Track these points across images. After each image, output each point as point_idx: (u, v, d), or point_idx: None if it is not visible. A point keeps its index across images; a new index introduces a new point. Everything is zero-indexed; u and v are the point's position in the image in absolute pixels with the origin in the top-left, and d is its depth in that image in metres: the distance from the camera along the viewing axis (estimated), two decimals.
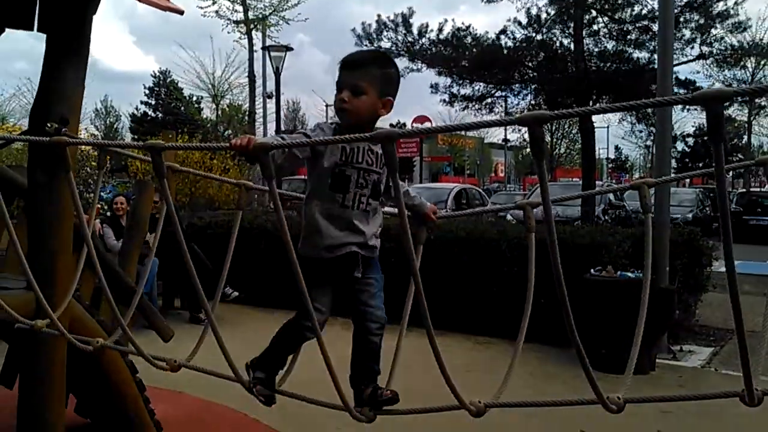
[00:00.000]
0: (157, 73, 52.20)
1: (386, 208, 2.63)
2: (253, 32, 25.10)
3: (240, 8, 24.89)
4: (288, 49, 20.32)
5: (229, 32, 26.00)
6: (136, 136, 45.53)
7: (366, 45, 17.34)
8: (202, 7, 24.36)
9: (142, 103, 52.69)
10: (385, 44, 17.20)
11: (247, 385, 2.44)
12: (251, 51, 25.18)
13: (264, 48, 22.32)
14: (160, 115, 50.52)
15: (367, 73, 2.43)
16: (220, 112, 29.84)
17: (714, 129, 1.56)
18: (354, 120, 2.38)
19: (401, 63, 17.57)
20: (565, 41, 16.34)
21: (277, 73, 19.48)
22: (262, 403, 2.51)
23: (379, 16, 17.30)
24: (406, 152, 32.52)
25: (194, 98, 37.29)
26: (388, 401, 2.41)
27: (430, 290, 2.03)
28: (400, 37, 17.16)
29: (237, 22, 25.21)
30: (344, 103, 2.40)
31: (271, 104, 24.42)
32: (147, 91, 52.60)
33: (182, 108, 42.63)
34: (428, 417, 2.60)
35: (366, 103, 2.42)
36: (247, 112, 27.12)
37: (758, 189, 28.86)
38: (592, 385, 2.00)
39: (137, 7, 70.70)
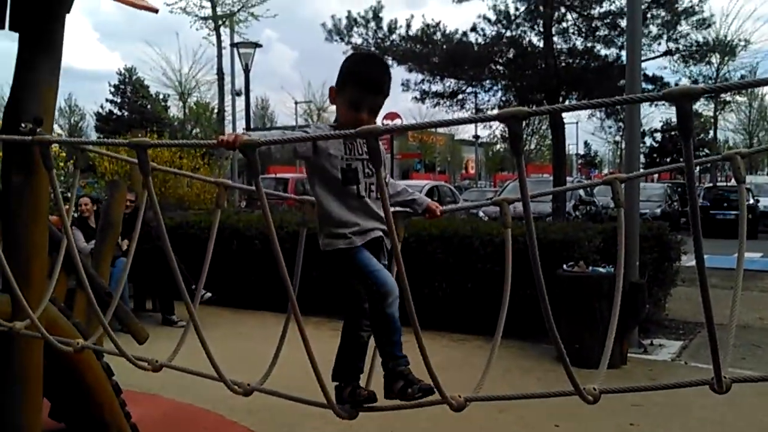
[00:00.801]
0: (123, 71, 51.61)
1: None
2: (221, 28, 24.86)
3: (208, 4, 24.59)
4: (257, 45, 20.19)
5: (197, 29, 25.75)
6: (101, 135, 44.92)
7: (336, 41, 17.30)
8: (169, 4, 24.05)
9: (107, 101, 52.01)
10: (356, 40, 17.18)
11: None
12: (219, 47, 24.92)
13: (233, 45, 22.14)
14: (126, 113, 49.98)
15: (385, 96, 2.54)
16: (187, 110, 29.55)
17: (683, 125, 1.61)
18: None
19: None
20: (535, 38, 16.46)
21: (246, 71, 19.35)
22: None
23: (349, 11, 17.26)
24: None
25: (161, 96, 36.91)
26: (366, 400, 2.42)
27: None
28: (370, 33, 17.14)
29: (205, 18, 24.94)
30: (363, 123, 2.42)
31: (240, 101, 24.24)
32: (112, 89, 51.97)
33: (148, 106, 42.15)
34: (409, 412, 2.63)
35: (375, 119, 2.53)
36: (215, 110, 26.89)
37: (724, 184, 29.34)
38: (570, 376, 2.04)
39: (101, 3, 69.52)
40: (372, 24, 16.92)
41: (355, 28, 17.08)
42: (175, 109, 33.73)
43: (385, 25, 17.05)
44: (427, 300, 7.51)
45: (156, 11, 3.29)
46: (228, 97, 25.37)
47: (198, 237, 9.00)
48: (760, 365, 6.54)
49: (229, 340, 7.04)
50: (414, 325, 2.05)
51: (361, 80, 2.49)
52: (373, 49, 17.08)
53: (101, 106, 52.07)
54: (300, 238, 2.76)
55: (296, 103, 49.15)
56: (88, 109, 54.99)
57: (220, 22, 24.63)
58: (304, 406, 2.45)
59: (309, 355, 2.15)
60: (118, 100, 51.80)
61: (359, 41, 17.14)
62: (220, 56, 24.97)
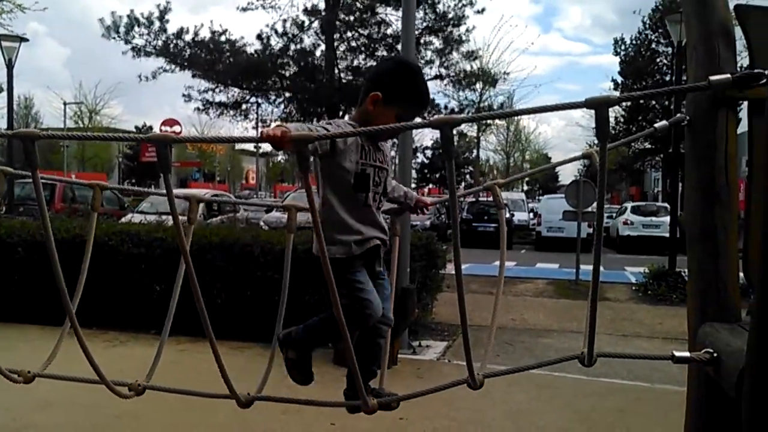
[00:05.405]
0: None
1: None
2: None
3: None
4: (23, 39, 18.67)
5: None
6: None
7: (114, 38, 16.61)
8: None
9: None
10: (139, 41, 16.58)
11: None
12: None
13: None
14: None
15: None
16: None
17: (445, 147, 1.91)
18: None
19: (154, 63, 17.06)
20: (319, 53, 16.96)
21: (10, 66, 17.84)
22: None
23: (132, 10, 16.59)
24: (153, 156, 31.15)
25: None
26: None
27: (187, 297, 2.15)
28: (152, 35, 16.62)
29: None
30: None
31: (0, 99, 22.16)
32: None
33: None
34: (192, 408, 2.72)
35: None
36: None
37: (486, 199, 31.98)
38: (359, 389, 2.29)
39: None
40: (155, 26, 16.43)
41: (137, 28, 16.49)
42: None
43: (171, 29, 16.66)
44: (206, 308, 7.45)
45: None
46: None
47: None
48: (511, 360, 7.34)
49: (11, 355, 6.51)
50: (208, 331, 2.18)
51: (419, 100, 2.49)
52: (153, 51, 16.60)
53: None
54: (87, 248, 2.75)
55: (65, 104, 45.96)
56: None
57: None
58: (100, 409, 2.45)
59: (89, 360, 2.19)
60: None
61: (142, 42, 16.57)
62: None
